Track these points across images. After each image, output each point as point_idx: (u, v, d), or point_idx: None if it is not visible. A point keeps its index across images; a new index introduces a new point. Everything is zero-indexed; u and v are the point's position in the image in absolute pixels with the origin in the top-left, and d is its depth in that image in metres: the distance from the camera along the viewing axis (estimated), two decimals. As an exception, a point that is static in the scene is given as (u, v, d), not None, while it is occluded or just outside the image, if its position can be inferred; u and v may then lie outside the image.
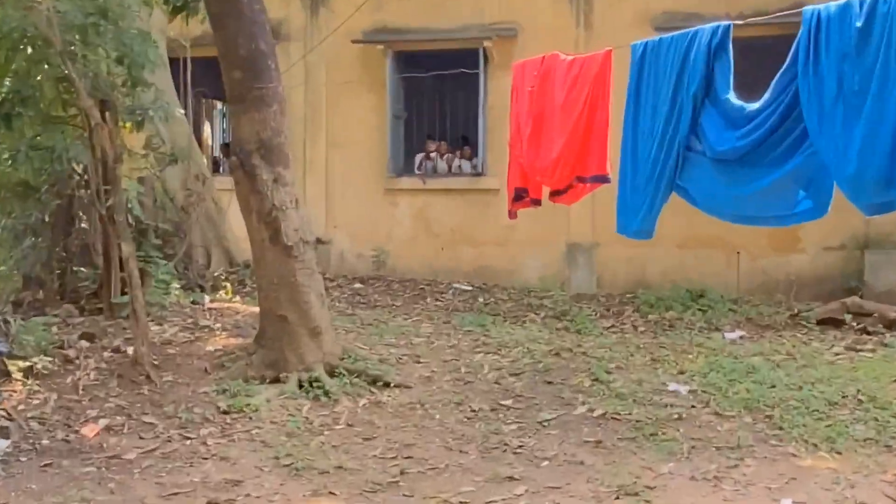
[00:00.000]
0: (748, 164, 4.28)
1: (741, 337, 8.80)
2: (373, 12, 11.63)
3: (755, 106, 4.26)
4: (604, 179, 5.59)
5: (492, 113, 11.63)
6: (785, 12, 6.88)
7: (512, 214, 6.82)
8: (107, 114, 7.46)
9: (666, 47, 4.81)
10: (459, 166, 12.61)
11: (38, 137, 7.56)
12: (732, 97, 4.42)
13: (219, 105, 15.45)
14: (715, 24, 4.49)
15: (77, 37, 7.28)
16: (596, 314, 9.97)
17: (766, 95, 4.18)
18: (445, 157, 12.74)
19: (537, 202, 6.53)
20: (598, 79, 5.45)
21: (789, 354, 7.86)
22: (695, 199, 4.75)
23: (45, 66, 7.40)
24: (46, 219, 8.22)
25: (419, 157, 12.82)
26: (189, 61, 10.71)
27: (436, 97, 13.46)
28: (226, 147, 14.38)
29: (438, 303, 10.60)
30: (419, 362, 7.58)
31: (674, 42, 4.75)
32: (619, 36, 9.62)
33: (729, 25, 4.40)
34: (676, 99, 4.65)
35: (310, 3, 12.40)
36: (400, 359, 7.61)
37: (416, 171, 12.58)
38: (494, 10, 11.67)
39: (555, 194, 6.13)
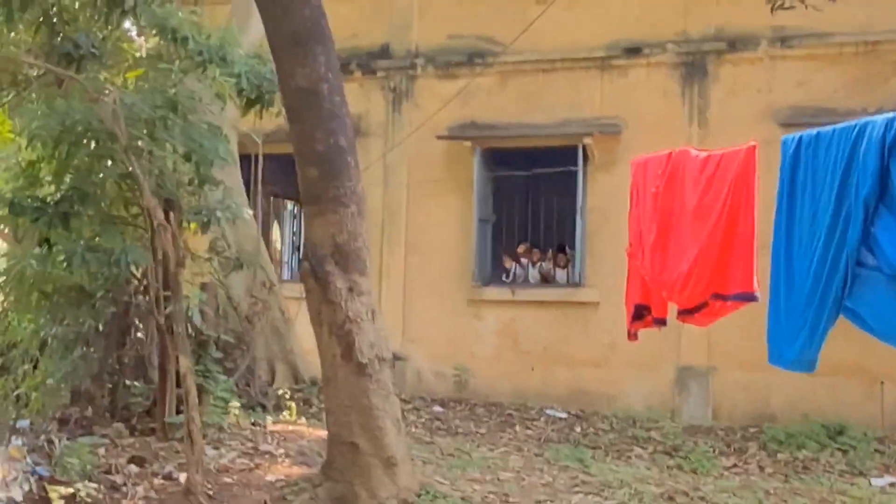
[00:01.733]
0: (938, 285, 3.88)
1: (892, 484, 8.23)
2: (460, 106, 11.69)
3: (944, 214, 3.88)
4: (750, 297, 5.20)
5: (591, 216, 11.42)
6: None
7: (631, 335, 6.46)
8: (171, 214, 7.46)
9: (826, 142, 4.47)
10: (554, 275, 12.33)
11: (97, 238, 7.58)
12: (915, 202, 4.05)
13: (289, 205, 15.62)
14: (889, 115, 4.15)
15: (144, 131, 7.38)
16: (714, 450, 9.45)
17: (958, 202, 3.81)
18: (538, 264, 12.50)
19: (662, 322, 6.17)
20: (739, 179, 5.13)
21: (954, 508, 7.20)
22: (870, 325, 4.33)
23: (109, 163, 7.49)
24: (100, 327, 8.17)
25: (508, 263, 12.61)
26: (261, 158, 10.82)
27: (528, 199, 13.32)
28: (297, 250, 14.46)
29: (529, 431, 10.22)
30: (507, 502, 7.17)
31: (836, 136, 4.42)
32: (740, 133, 9.41)
33: (906, 117, 4.07)
34: (842, 204, 4.29)
35: (392, 96, 12.55)
36: (485, 497, 7.21)
37: (504, 280, 12.36)
38: (596, 104, 11.60)
39: (684, 313, 5.75)
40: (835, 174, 4.37)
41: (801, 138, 4.68)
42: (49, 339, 8.25)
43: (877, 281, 4.21)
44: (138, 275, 8.12)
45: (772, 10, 9.13)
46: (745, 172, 5.14)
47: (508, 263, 12.63)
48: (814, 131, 4.66)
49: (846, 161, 4.30)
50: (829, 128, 4.56)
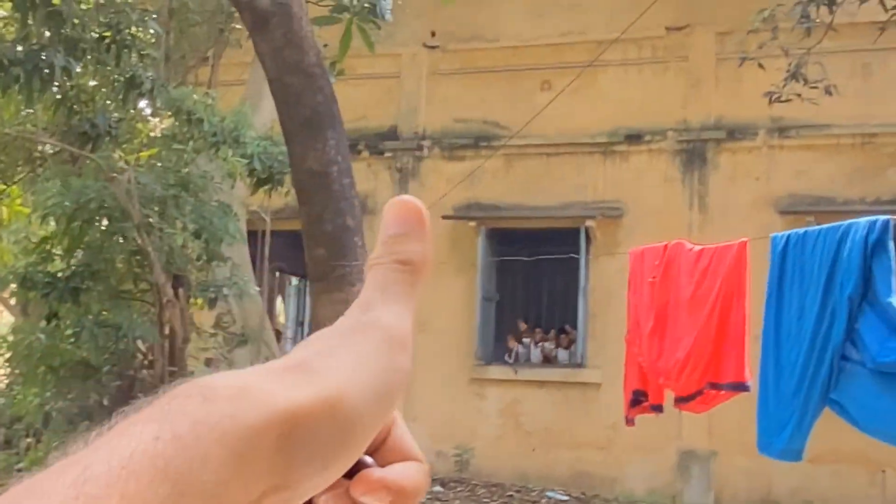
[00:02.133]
0: (919, 380, 4.01)
1: (894, 575, 8.11)
2: (466, 187, 11.92)
3: (925, 312, 4.03)
4: (743, 388, 5.33)
5: (593, 298, 11.55)
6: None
7: (629, 421, 6.54)
8: (180, 290, 7.62)
9: (812, 241, 4.66)
10: (556, 356, 12.41)
11: (105, 314, 7.73)
12: (896, 301, 4.21)
13: (294, 280, 15.78)
14: (871, 217, 4.34)
15: (156, 209, 7.58)
16: (715, 537, 9.38)
17: (939, 300, 3.96)
18: (540, 344, 12.58)
19: (658, 408, 6.27)
20: (732, 272, 5.31)
21: None
22: (854, 418, 4.44)
23: (120, 239, 7.68)
24: (104, 402, 8.27)
25: (512, 344, 12.68)
26: (268, 235, 11.01)
27: (531, 279, 13.46)
28: (300, 325, 14.55)
29: (529, 513, 10.16)
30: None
31: (822, 235, 4.60)
32: (739, 220, 9.65)
33: (888, 221, 4.24)
34: (828, 300, 4.45)
35: (399, 176, 12.80)
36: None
37: (507, 360, 12.42)
38: (598, 188, 11.82)
39: (681, 400, 5.86)
40: (821, 272, 4.54)
41: (789, 236, 4.87)
42: (53, 413, 8.33)
43: (860, 375, 4.33)
44: (144, 349, 8.24)
45: (769, 102, 9.42)
46: (737, 266, 5.31)
47: (512, 343, 12.70)
48: (801, 230, 4.84)
49: (832, 260, 4.47)
50: (815, 227, 4.74)
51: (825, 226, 4.63)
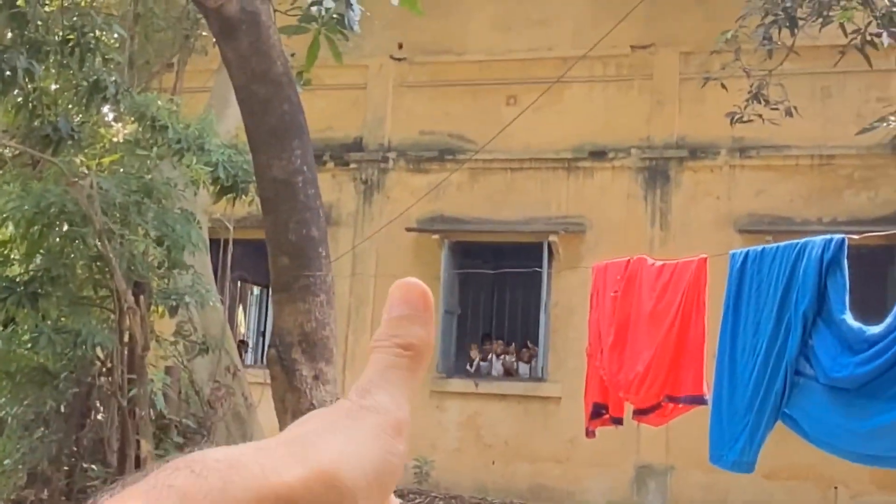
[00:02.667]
0: (869, 396, 4.10)
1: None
2: (431, 200, 11.95)
3: (877, 329, 4.13)
4: (700, 401, 5.42)
5: (555, 312, 11.64)
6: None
7: (589, 433, 6.63)
8: (140, 297, 7.57)
9: (770, 258, 4.77)
10: (517, 369, 12.47)
11: (64, 320, 7.66)
12: (849, 318, 4.31)
13: (255, 290, 15.72)
14: (827, 236, 4.46)
15: (117, 215, 7.53)
16: (670, 551, 9.47)
17: (890, 318, 4.06)
18: (502, 357, 12.64)
19: (618, 421, 6.35)
20: (691, 288, 5.41)
21: None
22: (805, 432, 4.55)
23: (80, 245, 7.62)
24: (61, 408, 8.18)
25: (475, 354, 12.74)
26: (231, 243, 10.97)
27: (493, 292, 13.53)
28: (261, 335, 14.49)
29: (487, 526, 10.18)
30: None
31: (779, 253, 4.71)
32: (699, 238, 9.80)
33: (843, 239, 4.36)
34: (783, 316, 4.56)
35: (363, 188, 12.82)
36: None
37: (468, 370, 12.46)
38: (562, 204, 11.93)
39: (639, 413, 5.95)
40: (777, 288, 4.65)
41: (747, 253, 4.98)
42: (9, 419, 8.23)
43: (813, 390, 4.44)
44: (102, 357, 8.16)
45: (731, 122, 9.60)
46: (696, 282, 5.42)
47: (474, 354, 12.74)
48: (759, 247, 4.95)
49: (788, 277, 4.58)
50: (773, 245, 4.85)
51: (782, 243, 4.75)
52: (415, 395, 0.48)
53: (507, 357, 12.67)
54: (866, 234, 5.30)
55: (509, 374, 12.55)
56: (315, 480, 0.39)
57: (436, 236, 12.15)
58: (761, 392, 4.63)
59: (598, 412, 6.42)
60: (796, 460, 10.04)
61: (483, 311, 13.50)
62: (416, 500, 11.09)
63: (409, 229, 12.19)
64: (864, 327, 4.23)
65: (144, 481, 0.37)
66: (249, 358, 14.55)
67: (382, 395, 0.46)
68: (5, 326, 8.00)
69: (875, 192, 10.92)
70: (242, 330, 15.15)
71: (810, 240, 4.54)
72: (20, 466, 8.07)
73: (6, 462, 8.04)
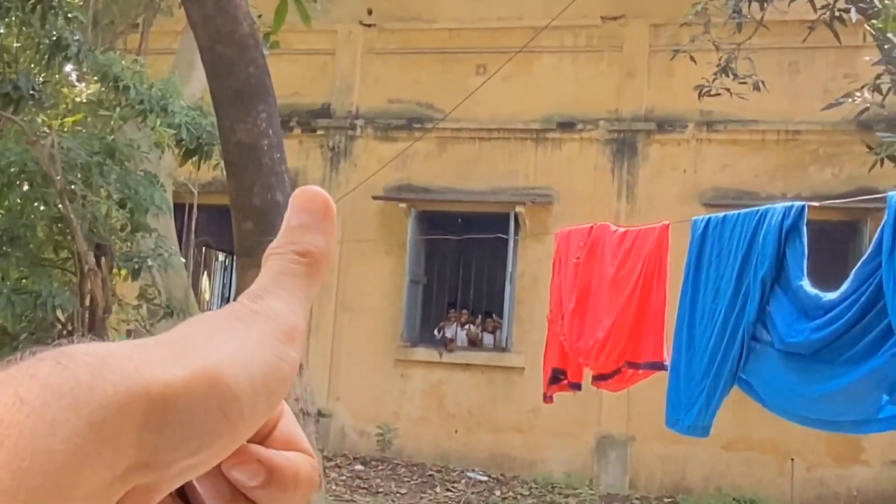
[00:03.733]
0: (823, 361, 4.17)
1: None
2: (398, 168, 11.94)
3: (832, 296, 4.20)
4: (660, 367, 5.48)
5: (520, 283, 11.70)
6: (863, 197, 7.03)
7: (547, 398, 6.68)
8: (102, 259, 7.50)
9: (731, 225, 4.82)
10: (481, 339, 12.54)
11: (24, 281, 7.58)
12: (806, 284, 4.37)
13: (220, 256, 15.64)
14: (787, 203, 4.51)
15: (79, 176, 7.44)
16: (629, 519, 9.61)
17: (846, 285, 4.13)
18: (467, 327, 12.69)
19: (577, 386, 6.41)
20: (653, 255, 5.45)
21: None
22: (760, 396, 4.62)
23: (41, 206, 7.53)
24: (20, 370, 8.11)
25: (442, 326, 12.77)
26: (195, 208, 10.89)
27: (460, 262, 13.56)
28: (226, 301, 14.43)
29: (449, 493, 10.27)
30: (424, 564, 7.25)
31: (740, 220, 4.76)
32: (665, 211, 9.85)
33: (803, 206, 4.41)
34: (742, 282, 4.61)
35: (330, 155, 12.76)
36: (402, 558, 7.28)
37: (438, 338, 12.50)
38: (530, 174, 11.96)
39: (599, 378, 6.01)
40: (737, 255, 4.70)
41: (709, 220, 5.03)
42: (-35, 380, 8.14)
43: (769, 355, 4.51)
44: (63, 319, 8.10)
45: (699, 95, 9.66)
46: (658, 249, 5.46)
47: (449, 326, 12.75)
48: (721, 214, 5.01)
49: (748, 244, 4.63)
50: (734, 212, 4.91)
51: (744, 210, 4.80)
52: (310, 305, 0.45)
53: (472, 327, 12.72)
54: (826, 203, 5.37)
55: (473, 344, 12.61)
56: (195, 381, 0.36)
57: (402, 205, 12.14)
58: (718, 357, 4.70)
59: (556, 377, 6.48)
60: (754, 432, 10.23)
61: (449, 280, 13.53)
62: (379, 468, 11.16)
63: (375, 197, 12.17)
64: (821, 294, 4.30)
65: (4, 369, 0.34)
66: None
67: (275, 301, 0.43)
68: (-37, 287, 7.91)
69: (839, 168, 11.05)
70: (207, 297, 15.08)
71: (771, 207, 4.59)
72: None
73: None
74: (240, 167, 6.96)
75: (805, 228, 4.44)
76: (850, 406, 4.23)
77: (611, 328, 5.59)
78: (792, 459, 10.67)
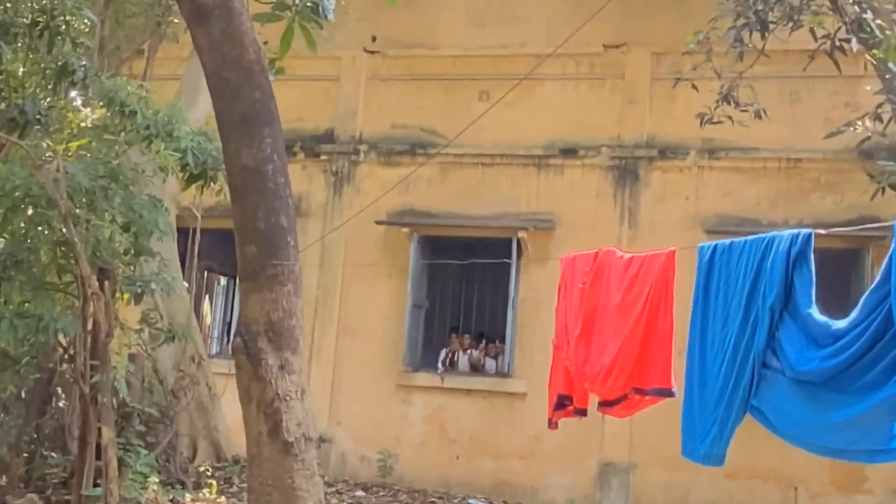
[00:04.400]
0: (834, 389, 4.12)
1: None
2: (400, 193, 11.93)
3: (842, 324, 4.15)
4: (668, 393, 5.42)
5: (522, 308, 11.67)
6: (869, 226, 7.01)
7: (552, 424, 6.62)
8: (105, 283, 7.47)
9: (738, 251, 4.78)
10: (483, 364, 12.48)
11: (27, 304, 7.53)
12: (815, 312, 4.32)
13: (222, 280, 15.61)
14: (794, 231, 4.47)
15: (84, 200, 7.42)
16: (632, 547, 9.51)
17: (855, 313, 4.08)
18: (469, 352, 12.65)
19: (582, 412, 6.34)
20: (659, 280, 5.41)
21: None
22: (773, 424, 4.56)
23: (45, 230, 7.50)
24: (22, 394, 8.07)
25: (444, 352, 12.73)
26: (198, 232, 10.88)
27: (462, 287, 13.53)
28: (227, 326, 14.40)
29: (451, 520, 10.18)
30: (426, 592, 7.15)
31: (747, 247, 4.72)
32: (667, 237, 9.82)
33: (810, 234, 4.38)
34: (751, 309, 4.57)
35: (334, 179, 12.77)
36: (404, 586, 7.18)
37: (440, 367, 12.44)
38: (532, 200, 11.95)
39: (605, 405, 5.94)
40: (745, 282, 4.66)
41: (715, 247, 4.99)
42: (-31, 403, 8.10)
43: (780, 382, 4.46)
44: (65, 343, 8.05)
45: (701, 123, 9.66)
46: (664, 274, 5.42)
47: (455, 346, 12.72)
48: (727, 241, 4.97)
49: (755, 270, 4.59)
50: (741, 239, 4.87)
51: (750, 237, 4.76)
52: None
53: (475, 352, 12.68)
54: (833, 231, 5.33)
55: (475, 369, 12.57)
56: None
57: (405, 230, 12.12)
58: (730, 385, 4.64)
59: (561, 403, 6.42)
60: (758, 460, 10.15)
61: (451, 305, 13.50)
62: (380, 494, 11.07)
63: (378, 222, 12.16)
64: (830, 321, 4.25)
65: None
66: (214, 348, 14.45)
67: None
68: (-34, 311, 7.87)
69: (841, 196, 11.04)
70: (208, 321, 15.02)
71: (778, 234, 4.56)
72: (-21, 452, 7.95)
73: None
74: (244, 191, 6.93)
75: (812, 256, 4.41)
76: (863, 435, 4.17)
77: (617, 354, 5.54)
78: (795, 488, 10.59)
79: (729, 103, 9.56)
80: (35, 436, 8.40)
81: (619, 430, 10.73)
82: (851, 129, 9.06)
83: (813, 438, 4.41)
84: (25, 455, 8.34)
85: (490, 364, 12.45)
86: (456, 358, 12.68)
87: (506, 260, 11.64)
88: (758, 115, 9.52)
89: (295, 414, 6.63)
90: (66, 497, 7.91)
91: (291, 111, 12.00)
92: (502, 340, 12.33)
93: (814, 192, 11.18)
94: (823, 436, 4.34)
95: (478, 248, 11.76)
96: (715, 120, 9.58)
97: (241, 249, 6.89)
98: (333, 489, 10.95)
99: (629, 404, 5.76)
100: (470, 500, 11.00)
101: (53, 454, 8.39)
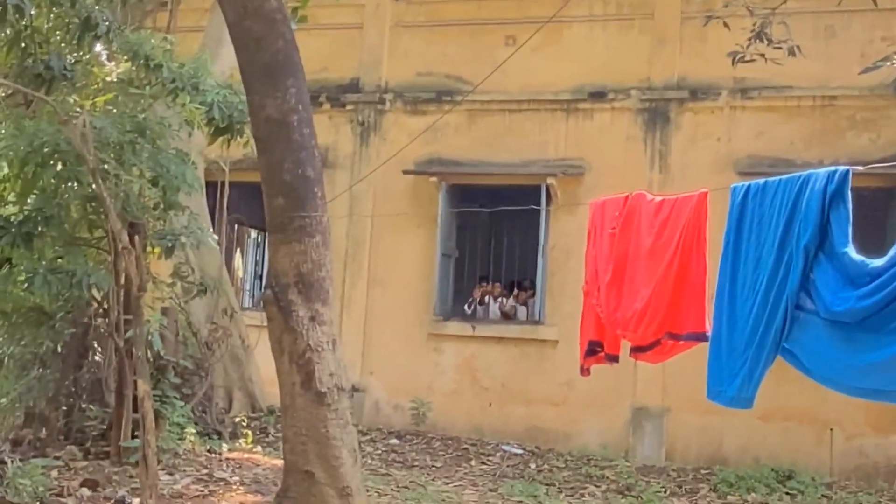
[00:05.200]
0: (870, 329, 4.06)
1: (837, 529, 8.31)
2: (427, 142, 11.87)
3: (879, 262, 4.08)
4: (702, 337, 5.38)
5: (552, 255, 11.62)
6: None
7: (584, 371, 6.61)
8: (135, 238, 7.49)
9: (772, 191, 4.70)
10: (514, 312, 12.48)
11: (59, 260, 7.60)
12: (851, 251, 4.25)
13: (253, 234, 15.66)
14: (831, 168, 4.39)
15: (112, 155, 7.43)
16: (666, 491, 9.52)
17: (893, 251, 4.01)
18: (500, 300, 12.65)
19: (614, 358, 6.33)
20: (691, 223, 5.34)
21: (898, 554, 7.35)
22: (805, 367, 4.52)
23: (75, 185, 7.53)
24: (58, 349, 8.17)
25: (470, 299, 12.74)
26: (227, 185, 10.89)
27: (491, 236, 13.49)
28: (259, 279, 14.49)
29: (484, 466, 10.24)
30: (461, 536, 7.22)
31: (782, 186, 4.64)
32: (698, 180, 9.69)
33: (847, 171, 4.29)
34: (784, 250, 4.50)
35: (360, 130, 12.70)
36: (439, 531, 7.26)
37: (467, 311, 12.48)
38: (560, 146, 11.82)
39: (637, 350, 5.92)
40: (779, 222, 4.59)
41: (749, 187, 4.91)
42: (5, 359, 8.21)
43: (814, 324, 4.41)
44: (99, 297, 8.13)
45: (733, 62, 9.43)
46: (697, 217, 5.35)
47: (478, 294, 12.76)
48: (761, 181, 4.88)
49: (790, 210, 4.52)
50: (775, 178, 4.78)
51: (785, 176, 4.68)
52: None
53: (506, 300, 12.67)
54: (871, 167, 5.22)
55: (507, 317, 12.57)
56: None
57: (433, 178, 12.06)
58: (761, 327, 4.60)
59: (593, 350, 6.41)
60: (792, 403, 10.11)
61: (480, 254, 13.47)
62: (414, 441, 11.17)
63: (406, 172, 12.11)
64: (867, 260, 4.18)
65: None
66: (247, 300, 14.55)
67: None
68: (0, 267, 7.96)
69: (877, 133, 10.82)
70: (240, 274, 15.11)
71: (813, 172, 4.48)
72: (17, 406, 8.08)
73: (2, 401, 8.05)
74: (270, 143, 6.90)
75: (849, 194, 4.31)
76: (898, 375, 4.13)
77: (649, 299, 5.50)
78: (831, 429, 10.54)
79: (761, 41, 9.31)
80: (73, 389, 8.51)
81: (651, 375, 10.71)
82: (888, 64, 8.81)
83: (847, 380, 4.36)
84: (64, 408, 8.46)
85: (521, 312, 12.44)
86: (487, 302, 12.71)
87: (535, 206, 11.55)
88: (791, 53, 9.27)
89: (327, 364, 6.68)
90: (105, 448, 8.03)
91: (316, 61, 11.93)
92: (532, 288, 12.30)
93: (849, 131, 10.97)
94: (858, 377, 4.29)
95: (506, 196, 11.68)
96: (747, 59, 9.34)
97: (268, 202, 6.88)
98: (368, 437, 11.06)
99: (662, 349, 5.73)
100: (503, 447, 11.06)
101: (91, 407, 8.51)
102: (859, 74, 9.58)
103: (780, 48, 9.24)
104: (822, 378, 4.50)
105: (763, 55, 9.26)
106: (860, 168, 4.41)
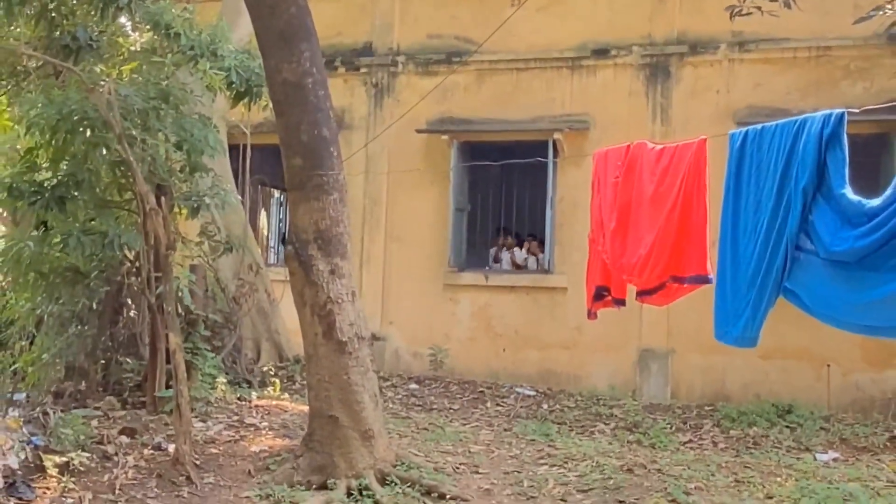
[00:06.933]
0: (868, 268, 3.98)
1: (835, 459, 8.28)
2: (439, 102, 11.75)
3: (876, 202, 3.97)
4: (705, 280, 5.30)
5: (560, 206, 11.53)
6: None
7: (591, 315, 6.56)
8: (162, 199, 7.47)
9: (770, 136, 4.59)
10: (526, 262, 12.45)
11: (92, 222, 7.60)
12: (849, 192, 4.15)
13: (276, 194, 15.62)
14: (826, 111, 4.27)
15: (137, 121, 7.39)
16: (671, 427, 9.52)
17: (889, 191, 3.91)
18: (512, 251, 12.62)
19: (621, 302, 6.26)
20: (692, 169, 5.24)
21: (891, 482, 7.29)
22: (807, 305, 4.44)
23: (103, 150, 7.50)
24: (94, 306, 8.18)
25: (493, 251, 12.78)
26: (249, 148, 10.83)
27: (501, 189, 13.40)
28: (282, 236, 14.47)
29: (499, 408, 10.27)
30: (478, 473, 7.22)
31: (779, 130, 4.53)
32: (699, 131, 9.44)
33: (842, 114, 4.17)
34: (783, 193, 4.41)
35: (374, 91, 12.57)
36: (457, 468, 7.26)
37: (492, 263, 12.48)
38: (566, 102, 11.67)
39: (643, 294, 5.84)
40: (777, 166, 4.49)
41: (746, 133, 4.80)
42: (45, 317, 8.25)
43: (813, 264, 4.32)
44: (131, 257, 8.13)
45: (731, 16, 9.22)
46: (697, 164, 5.25)
47: (501, 242, 12.83)
48: (759, 126, 4.77)
49: (787, 154, 4.41)
50: (772, 123, 4.67)
51: (782, 121, 4.56)
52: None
53: (519, 251, 12.64)
54: (865, 109, 5.09)
55: (518, 267, 12.54)
56: None
57: (445, 137, 11.95)
58: (763, 268, 4.52)
59: (599, 294, 6.34)
60: (790, 341, 10.05)
61: (492, 208, 13.41)
62: (433, 386, 11.19)
63: (419, 131, 12.00)
64: (864, 201, 4.09)
65: None
66: (272, 257, 14.55)
67: None
68: (37, 230, 7.96)
69: (871, 82, 10.61)
70: (265, 232, 15.11)
71: (809, 116, 4.36)
72: (57, 361, 8.13)
73: (44, 357, 8.09)
74: (287, 105, 6.84)
75: (845, 136, 4.20)
76: (896, 311, 4.05)
77: (653, 244, 5.42)
78: (828, 365, 10.48)
79: (758, -6, 9.10)
80: (110, 344, 8.55)
81: (657, 319, 10.65)
82: (881, 13, 8.58)
83: (847, 317, 4.29)
84: (102, 362, 8.52)
85: (532, 262, 12.39)
86: (500, 255, 12.70)
87: (542, 158, 11.43)
88: (787, 5, 9.05)
89: (347, 315, 6.67)
90: (142, 399, 8.08)
91: (330, 27, 11.78)
92: (542, 239, 12.23)
93: (844, 80, 10.75)
94: (858, 314, 4.21)
95: (515, 152, 11.56)
96: (745, 12, 9.14)
97: (287, 162, 6.83)
98: (389, 383, 11.09)
99: (667, 293, 5.65)
100: (517, 389, 11.07)
101: (128, 360, 8.56)
102: (853, 24, 9.34)
103: (776, 1, 9.02)
104: (823, 316, 4.43)
105: (760, 8, 9.04)
106: (855, 110, 4.28)
